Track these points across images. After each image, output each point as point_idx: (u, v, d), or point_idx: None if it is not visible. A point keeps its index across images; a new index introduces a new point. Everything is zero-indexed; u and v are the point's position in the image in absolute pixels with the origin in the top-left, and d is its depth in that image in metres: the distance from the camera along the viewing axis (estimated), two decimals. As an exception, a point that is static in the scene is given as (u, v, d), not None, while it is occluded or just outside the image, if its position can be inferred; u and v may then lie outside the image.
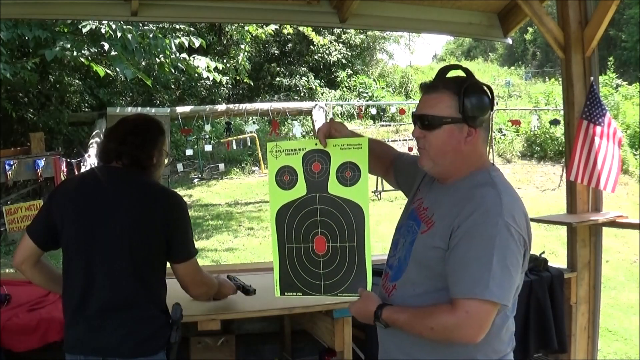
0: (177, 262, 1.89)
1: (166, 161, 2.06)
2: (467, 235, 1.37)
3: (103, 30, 7.57)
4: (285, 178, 1.62)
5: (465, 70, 1.52)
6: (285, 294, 1.62)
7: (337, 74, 19.54)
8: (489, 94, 1.45)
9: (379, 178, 11.25)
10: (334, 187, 1.58)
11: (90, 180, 1.89)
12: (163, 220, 1.83)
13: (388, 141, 12.98)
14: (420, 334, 1.42)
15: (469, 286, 1.34)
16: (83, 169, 9.71)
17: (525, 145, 14.26)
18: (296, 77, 18.67)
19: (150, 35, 8.16)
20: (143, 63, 10.75)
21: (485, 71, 27.40)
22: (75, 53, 7.80)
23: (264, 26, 12.10)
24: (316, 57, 19.36)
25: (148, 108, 12.37)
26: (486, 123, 1.47)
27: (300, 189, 1.60)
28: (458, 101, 1.43)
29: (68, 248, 1.82)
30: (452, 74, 1.56)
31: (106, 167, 1.91)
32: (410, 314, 1.45)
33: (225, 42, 15.92)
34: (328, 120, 1.82)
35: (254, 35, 13.16)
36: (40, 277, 1.92)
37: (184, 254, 1.89)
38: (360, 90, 19.18)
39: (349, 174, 1.57)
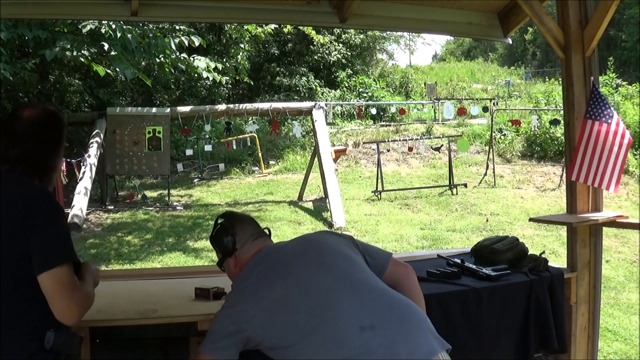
0: (39, 271, 1.55)
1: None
2: None
3: (103, 30, 7.58)
4: None
5: (224, 215, 2.02)
6: None
7: (337, 74, 19.55)
8: (228, 228, 1.93)
9: (379, 177, 11.29)
10: None
11: None
12: (22, 224, 1.56)
13: (388, 141, 13.00)
14: None
15: None
16: (83, 169, 9.72)
17: (525, 145, 14.25)
18: (296, 77, 18.67)
19: (150, 35, 8.16)
20: (143, 63, 10.76)
21: (485, 71, 27.45)
22: (75, 53, 7.80)
23: (264, 25, 12.11)
24: (316, 57, 19.37)
25: (148, 108, 12.36)
26: (240, 244, 1.91)
27: None
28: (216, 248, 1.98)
29: None
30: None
31: None
32: None
33: (224, 41, 15.92)
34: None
35: (253, 34, 13.17)
36: None
37: (47, 261, 1.56)
38: (360, 90, 19.19)
39: None
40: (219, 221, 1.98)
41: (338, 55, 19.58)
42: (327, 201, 9.67)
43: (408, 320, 1.67)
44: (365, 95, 18.89)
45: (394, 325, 1.63)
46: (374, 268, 1.86)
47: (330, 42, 19.35)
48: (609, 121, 2.90)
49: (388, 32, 22.16)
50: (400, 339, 1.60)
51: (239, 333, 1.72)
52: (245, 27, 12.40)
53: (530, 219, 3.47)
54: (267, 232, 2.03)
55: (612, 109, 2.96)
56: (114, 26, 7.36)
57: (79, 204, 9.25)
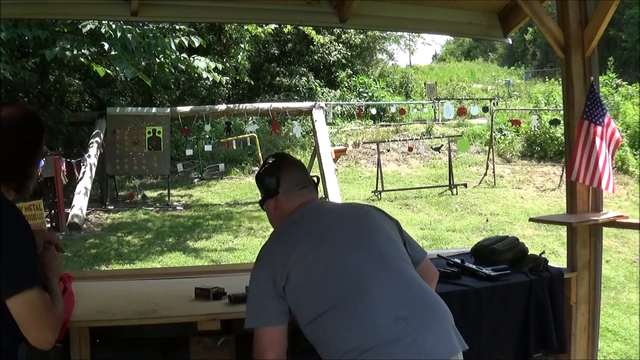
0: (7, 296, 1.44)
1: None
2: None
3: (103, 30, 7.58)
4: None
5: (276, 155, 2.02)
6: None
7: (337, 74, 19.54)
8: (274, 170, 1.90)
9: (379, 177, 11.29)
10: None
11: None
12: None
13: (388, 141, 13.00)
14: None
15: None
16: (83, 169, 9.72)
17: (525, 145, 14.26)
18: (296, 77, 18.66)
19: (150, 35, 8.16)
20: (143, 63, 10.75)
21: (485, 71, 27.44)
22: (75, 53, 7.81)
23: (264, 25, 12.12)
24: (316, 57, 19.37)
25: (148, 108, 12.37)
26: (283, 188, 1.89)
27: None
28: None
29: None
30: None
31: None
32: None
33: (224, 41, 15.93)
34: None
35: (253, 34, 13.17)
36: None
37: (15, 284, 1.44)
38: (360, 90, 19.19)
39: None
40: (269, 160, 1.95)
41: (338, 55, 19.58)
42: (327, 201, 9.68)
43: (437, 316, 1.68)
44: (365, 95, 18.89)
45: (424, 319, 1.63)
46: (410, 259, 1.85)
47: (330, 42, 19.35)
48: (602, 123, 2.92)
49: (388, 32, 22.15)
50: (428, 334, 1.60)
51: (277, 286, 1.67)
52: (245, 27, 12.40)
53: (530, 219, 3.47)
54: (315, 181, 1.97)
55: (606, 109, 2.96)
56: (114, 26, 7.36)
57: (79, 204, 9.25)
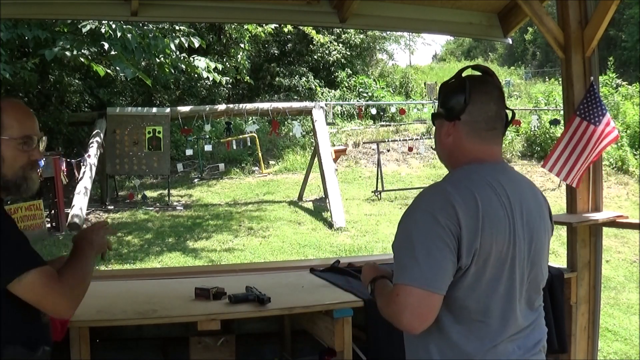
0: (6, 283, 1.46)
1: (42, 146, 1.61)
2: (398, 227, 1.50)
3: (103, 30, 7.59)
4: None
5: (478, 67, 1.60)
6: None
7: (337, 74, 19.54)
8: (466, 88, 1.50)
9: (379, 177, 11.30)
10: None
11: None
12: None
13: (388, 141, 13.00)
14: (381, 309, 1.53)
15: (396, 274, 1.43)
16: (83, 169, 9.72)
17: (525, 145, 14.26)
18: (296, 77, 18.66)
19: (150, 35, 8.17)
20: (143, 63, 10.77)
21: (485, 71, 27.40)
22: (75, 53, 7.81)
23: (264, 25, 12.14)
24: (316, 57, 19.37)
25: (148, 108, 12.37)
26: (468, 117, 1.51)
27: None
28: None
29: None
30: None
31: None
32: (384, 289, 1.56)
33: (224, 41, 15.93)
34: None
35: (253, 34, 13.18)
36: None
37: (9, 271, 1.45)
38: (360, 90, 19.18)
39: None
40: (463, 74, 1.56)
41: (338, 55, 19.57)
42: (327, 201, 9.67)
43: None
44: (365, 95, 18.88)
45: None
46: None
47: (330, 42, 19.34)
48: (597, 124, 2.92)
49: (388, 32, 22.14)
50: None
51: (462, 260, 1.39)
52: (245, 27, 12.41)
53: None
54: (507, 120, 1.59)
55: (605, 110, 2.97)
56: (114, 26, 7.37)
57: (79, 204, 9.25)
